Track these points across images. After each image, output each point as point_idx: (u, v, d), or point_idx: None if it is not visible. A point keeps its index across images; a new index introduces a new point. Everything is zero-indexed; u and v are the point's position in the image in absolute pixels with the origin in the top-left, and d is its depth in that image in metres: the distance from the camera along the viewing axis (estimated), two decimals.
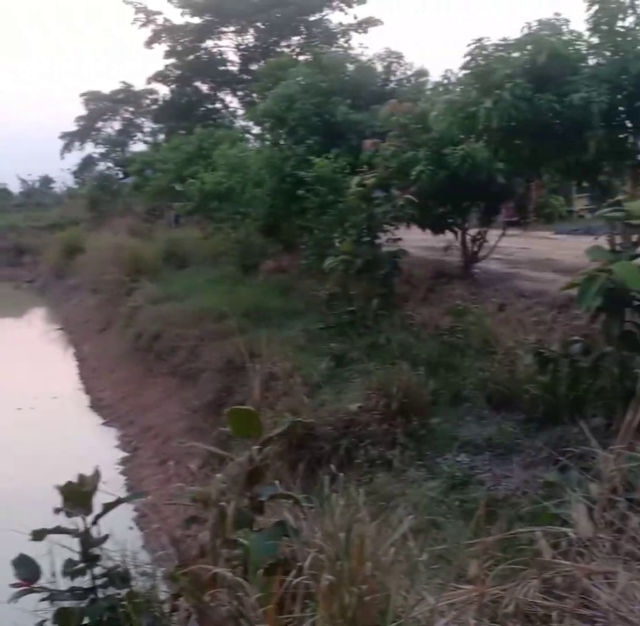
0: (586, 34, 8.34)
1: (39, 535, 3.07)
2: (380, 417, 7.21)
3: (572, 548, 2.94)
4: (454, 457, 6.50)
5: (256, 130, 22.33)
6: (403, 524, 3.40)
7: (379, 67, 15.30)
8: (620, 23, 7.98)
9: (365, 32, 31.35)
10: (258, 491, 3.40)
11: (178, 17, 34.95)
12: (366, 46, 29.08)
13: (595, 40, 8.32)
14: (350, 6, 32.42)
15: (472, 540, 3.49)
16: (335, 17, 33.70)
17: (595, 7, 7.96)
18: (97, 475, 3.33)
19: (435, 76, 13.98)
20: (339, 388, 8.50)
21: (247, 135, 24.40)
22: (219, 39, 35.64)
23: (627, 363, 5.90)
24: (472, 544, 3.41)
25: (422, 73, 15.05)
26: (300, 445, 7.23)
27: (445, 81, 10.46)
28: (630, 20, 8.02)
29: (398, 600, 2.77)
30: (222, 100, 37.60)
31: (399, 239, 10.90)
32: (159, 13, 34.52)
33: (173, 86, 37.20)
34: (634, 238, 6.34)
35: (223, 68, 36.58)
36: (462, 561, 3.33)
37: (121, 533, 3.49)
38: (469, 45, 8.77)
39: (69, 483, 3.18)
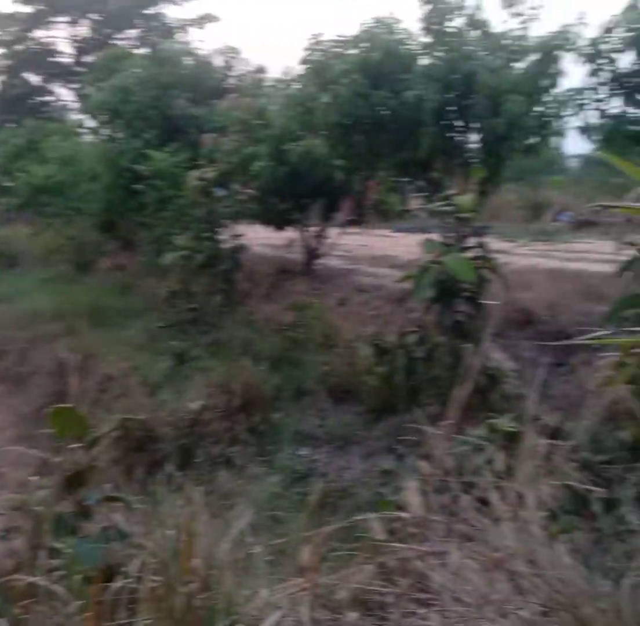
0: (419, 33, 8.61)
1: None
2: (222, 415, 7.05)
3: (405, 529, 2.93)
4: (296, 451, 6.47)
5: (91, 123, 21.42)
6: (241, 520, 3.29)
7: (218, 62, 15.10)
8: (450, 24, 8.28)
9: (202, 27, 31.02)
10: (84, 495, 3.17)
11: (7, 4, 33.05)
12: (204, 41, 28.89)
13: (427, 39, 8.59)
14: (187, 0, 32.02)
15: (311, 532, 3.43)
16: (172, 12, 33.15)
17: (427, 7, 8.22)
18: None
19: (274, 74, 14.00)
20: (180, 387, 8.25)
21: (82, 129, 23.35)
22: (51, 29, 34.02)
23: (458, 351, 6.09)
24: (310, 536, 3.35)
25: (261, 69, 15.00)
26: (138, 448, 6.93)
27: (285, 77, 10.48)
28: (459, 22, 8.33)
29: (232, 597, 2.66)
30: (54, 93, 35.88)
31: (241, 235, 10.77)
32: None
33: (1, 77, 35.06)
34: (464, 231, 6.60)
35: (55, 59, 34.90)
36: (301, 553, 3.27)
37: None
38: (307, 40, 8.83)
39: None
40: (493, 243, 10.60)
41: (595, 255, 11.29)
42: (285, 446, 6.54)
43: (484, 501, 3.38)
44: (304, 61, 8.87)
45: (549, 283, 9.26)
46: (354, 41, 8.56)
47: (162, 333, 10.29)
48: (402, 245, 14.06)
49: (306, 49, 8.79)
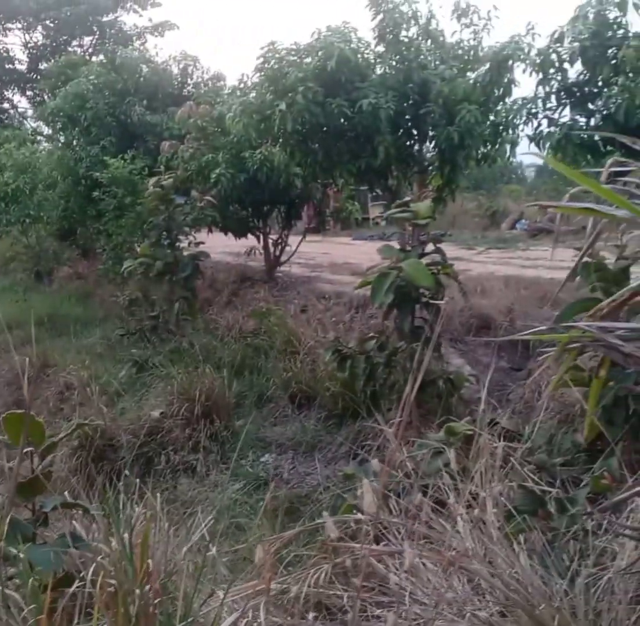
0: (373, 42, 8.71)
1: None
2: (184, 422, 7.04)
3: (363, 531, 2.98)
4: (258, 457, 6.49)
5: (48, 131, 21.18)
6: (202, 527, 3.30)
7: (175, 70, 15.08)
8: (403, 33, 8.39)
9: (161, 35, 30.69)
10: (40, 502, 3.16)
11: None
12: (161, 48, 28.68)
13: (381, 49, 8.69)
14: (144, 8, 31.67)
15: (271, 536, 3.47)
16: (130, 19, 32.83)
17: (380, 16, 8.32)
18: None
19: (233, 81, 14.05)
20: (141, 395, 8.22)
21: (39, 137, 23.07)
22: (5, 35, 33.48)
23: (417, 357, 6.16)
24: (272, 540, 3.38)
25: (219, 77, 15.03)
26: (98, 457, 6.88)
27: (242, 84, 10.50)
28: (413, 31, 8.45)
29: (189, 601, 2.67)
30: (9, 100, 35.31)
31: (201, 242, 10.77)
32: None
33: None
34: (422, 237, 6.68)
35: (10, 66, 34.37)
36: (257, 555, 3.30)
37: None
38: (262, 48, 8.85)
39: None
40: (452, 250, 10.77)
41: (551, 262, 11.50)
42: (248, 452, 6.55)
43: (442, 503, 3.45)
44: (260, 69, 8.90)
45: (506, 290, 9.42)
46: (309, 49, 8.62)
47: (122, 341, 10.23)
48: (363, 252, 14.17)
49: (261, 57, 8.82)
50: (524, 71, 7.93)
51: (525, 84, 8.27)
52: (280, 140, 9.31)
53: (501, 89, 8.32)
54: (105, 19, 32.06)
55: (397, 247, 6.71)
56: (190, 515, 4.72)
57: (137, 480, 3.75)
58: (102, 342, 10.51)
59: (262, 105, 8.99)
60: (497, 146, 8.85)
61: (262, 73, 9.00)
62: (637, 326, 1.31)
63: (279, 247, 12.30)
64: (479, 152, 8.91)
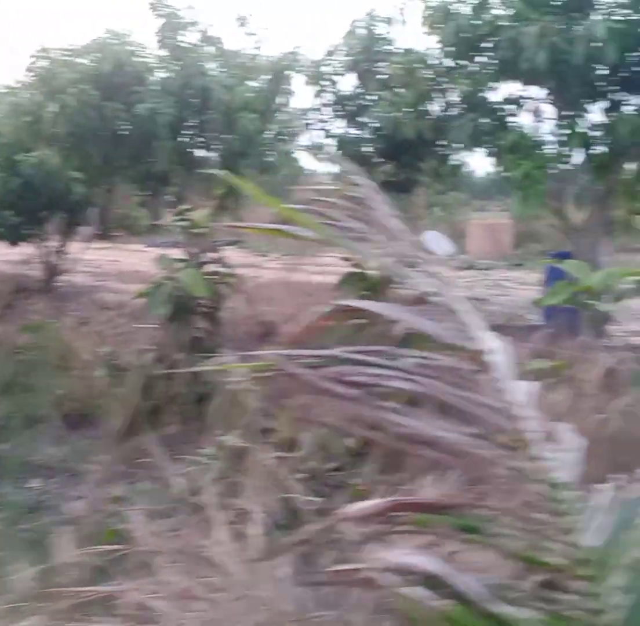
0: (155, 46, 8.51)
1: None
2: None
3: (131, 560, 2.81)
4: (24, 484, 5.99)
5: None
6: None
7: None
8: (183, 38, 8.26)
9: None
10: None
11: None
12: None
13: (164, 53, 8.51)
14: None
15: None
16: None
17: (162, 20, 8.14)
18: None
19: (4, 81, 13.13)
20: None
21: None
22: None
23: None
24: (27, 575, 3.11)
25: None
26: None
27: (14, 84, 9.85)
28: (194, 37, 8.35)
29: None
30: None
31: None
32: None
33: None
34: (205, 246, 6.59)
35: None
36: (22, 598, 3.02)
37: None
38: (35, 48, 8.38)
39: None
40: (245, 257, 10.73)
41: (337, 268, 11.82)
42: (11, 479, 6.03)
43: (209, 522, 3.33)
44: (31, 69, 8.39)
45: (293, 296, 9.54)
46: (84, 51, 8.25)
47: None
48: (154, 260, 13.78)
49: (33, 56, 8.33)
50: (302, 82, 8.10)
51: (305, 94, 8.46)
52: (53, 142, 8.81)
53: (280, 99, 8.42)
54: None
55: (175, 256, 6.59)
56: None
57: None
58: None
59: (33, 106, 8.46)
60: (279, 155, 8.94)
61: (33, 73, 8.50)
62: (321, 353, 1.26)
63: (59, 255, 11.64)
64: (262, 160, 8.95)
